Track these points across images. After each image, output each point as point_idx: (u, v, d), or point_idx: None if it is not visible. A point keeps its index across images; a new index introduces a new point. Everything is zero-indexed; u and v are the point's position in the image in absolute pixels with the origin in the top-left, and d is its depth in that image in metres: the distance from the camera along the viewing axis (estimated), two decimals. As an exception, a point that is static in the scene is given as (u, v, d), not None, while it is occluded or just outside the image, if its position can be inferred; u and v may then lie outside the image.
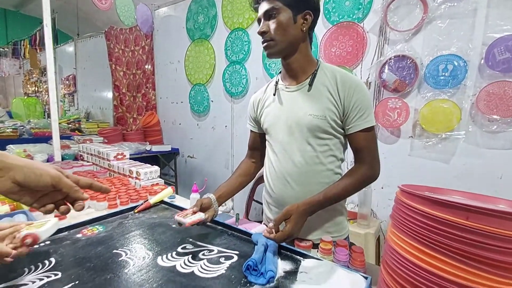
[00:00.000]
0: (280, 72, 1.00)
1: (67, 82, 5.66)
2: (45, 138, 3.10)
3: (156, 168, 1.68)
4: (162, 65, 3.51)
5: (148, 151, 3.16)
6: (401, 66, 1.86)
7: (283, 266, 0.75)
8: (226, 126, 2.81)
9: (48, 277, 0.68)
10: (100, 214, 1.10)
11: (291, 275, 0.72)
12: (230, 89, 2.71)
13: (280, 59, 0.93)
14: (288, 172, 0.92)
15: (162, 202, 1.29)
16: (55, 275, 0.69)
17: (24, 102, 5.18)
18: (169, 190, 1.36)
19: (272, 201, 1.00)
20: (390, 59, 1.89)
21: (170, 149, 3.35)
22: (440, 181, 1.76)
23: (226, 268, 0.75)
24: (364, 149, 0.88)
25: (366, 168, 0.87)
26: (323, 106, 0.87)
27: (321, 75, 0.89)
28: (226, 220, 1.09)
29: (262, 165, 1.15)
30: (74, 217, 1.18)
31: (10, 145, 2.60)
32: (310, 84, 0.89)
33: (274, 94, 0.96)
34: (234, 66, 2.68)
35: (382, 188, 1.97)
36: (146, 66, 3.71)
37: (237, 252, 0.83)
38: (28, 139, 3.21)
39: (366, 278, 0.69)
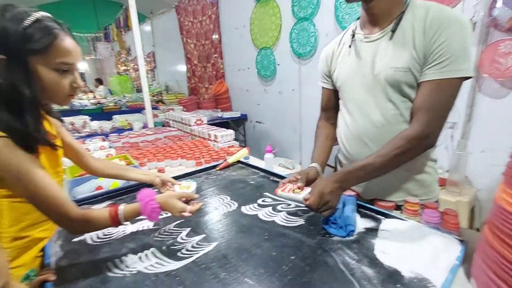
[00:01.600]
0: (358, 19, 0.86)
1: (148, 59, 6.36)
2: (138, 109, 3.66)
3: (231, 131, 1.81)
4: (228, 33, 3.56)
5: (220, 117, 3.39)
6: (525, -5, 1.41)
7: (363, 223, 0.75)
8: (293, 89, 2.75)
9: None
10: (190, 170, 1.28)
11: (372, 231, 0.71)
12: (297, 49, 2.59)
13: (359, 3, 0.79)
14: (366, 132, 0.84)
15: (238, 162, 1.40)
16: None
17: (118, 80, 6.13)
18: (245, 150, 1.47)
19: (348, 163, 0.95)
20: (507, -13, 1.45)
21: (239, 115, 3.52)
22: None
23: (304, 220, 0.79)
24: (424, 107, 0.70)
25: (414, 128, 0.71)
26: (407, 56, 0.71)
27: (409, 17, 0.73)
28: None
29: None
30: (170, 171, 1.41)
31: (115, 116, 3.18)
32: (393, 30, 0.74)
33: (350, 46, 0.85)
34: (301, 24, 2.51)
35: (483, 152, 1.66)
36: (213, 36, 3.82)
37: (314, 207, 0.86)
38: (125, 110, 3.84)
39: (461, 241, 0.63)
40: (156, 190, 1.04)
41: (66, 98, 0.67)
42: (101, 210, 0.66)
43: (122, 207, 0.66)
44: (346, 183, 0.74)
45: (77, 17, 7.46)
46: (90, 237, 0.76)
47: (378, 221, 0.76)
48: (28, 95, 0.59)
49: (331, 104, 1.02)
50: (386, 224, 0.74)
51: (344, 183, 0.73)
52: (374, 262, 0.59)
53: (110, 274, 0.61)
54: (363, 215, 0.79)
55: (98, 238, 0.76)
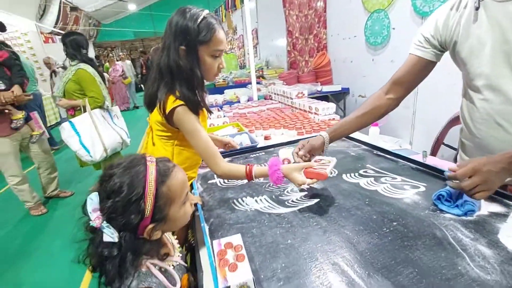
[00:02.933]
0: None
1: (251, 36, 6.73)
2: (242, 84, 4.04)
3: (332, 105, 1.80)
4: (334, -2, 3.33)
5: (319, 91, 3.34)
6: None
7: (487, 207, 0.67)
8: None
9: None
10: (292, 139, 1.39)
11: (499, 216, 0.63)
12: (420, 8, 2.17)
13: None
14: (502, 113, 0.69)
15: (339, 134, 1.41)
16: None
17: (225, 58, 6.82)
18: (346, 123, 1.45)
19: (475, 147, 0.80)
20: None
21: (340, 89, 3.35)
22: None
23: (412, 194, 0.77)
24: None
25: None
26: None
27: None
28: (409, 155, 1.05)
29: (398, 104, 0.92)
30: (274, 138, 1.56)
31: (225, 90, 3.64)
32: None
33: (477, 8, 0.68)
34: (428, -24, 2.07)
35: None
36: (318, 4, 3.66)
37: (424, 184, 0.82)
38: (232, 86, 4.31)
39: None
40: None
41: (214, 77, 0.87)
42: (240, 166, 0.82)
43: (255, 168, 0.80)
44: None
45: (192, 2, 8.54)
46: (218, 181, 1.00)
47: (509, 207, 0.66)
48: (199, 75, 0.81)
49: (408, 78, 0.86)
50: (521, 211, 0.64)
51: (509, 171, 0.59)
52: (495, 244, 0.54)
53: (235, 207, 0.80)
54: (489, 199, 0.70)
55: (225, 182, 0.98)
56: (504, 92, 0.67)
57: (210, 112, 0.94)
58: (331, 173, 0.97)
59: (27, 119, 2.22)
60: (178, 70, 0.79)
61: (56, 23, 6.74)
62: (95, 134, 1.94)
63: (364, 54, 2.97)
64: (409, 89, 0.89)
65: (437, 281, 0.48)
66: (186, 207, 0.56)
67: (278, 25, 4.63)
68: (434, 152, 1.74)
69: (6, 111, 2.03)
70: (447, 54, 0.84)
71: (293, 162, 0.88)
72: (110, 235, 0.47)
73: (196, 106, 0.82)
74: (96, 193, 0.49)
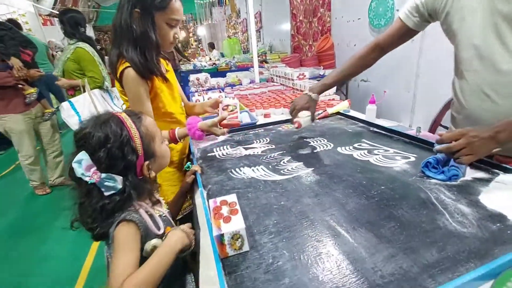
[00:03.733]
0: None
1: (254, 19, 6.58)
2: (245, 68, 4.02)
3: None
4: (339, -21, 3.25)
5: (321, 75, 3.32)
6: None
7: (472, 173, 0.70)
8: (412, 40, 2.34)
9: (266, 146, 1.04)
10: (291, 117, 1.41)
11: (482, 181, 0.67)
12: (424, -11, 2.14)
13: None
14: (489, 83, 0.70)
15: (338, 113, 1.43)
16: (271, 145, 1.04)
17: (228, 43, 6.72)
18: (346, 103, 1.47)
19: (463, 117, 0.82)
20: None
21: (342, 73, 3.34)
22: None
23: (402, 164, 0.80)
24: None
25: None
26: None
27: None
28: (404, 131, 1.07)
29: (375, 63, 1.04)
30: (274, 117, 1.58)
31: (228, 73, 3.63)
32: None
33: None
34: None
35: None
36: (322, -15, 3.57)
37: (415, 155, 0.84)
38: (235, 70, 4.30)
39: None
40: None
41: (170, 45, 0.89)
42: (164, 132, 0.87)
43: (177, 130, 0.89)
44: (502, 134, 0.61)
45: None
46: (217, 154, 1.03)
47: (494, 174, 0.69)
48: (153, 39, 0.82)
49: (391, 42, 0.96)
50: (503, 178, 0.67)
51: (499, 134, 0.61)
52: (475, 204, 0.58)
53: (233, 175, 0.84)
54: (475, 167, 0.73)
55: (223, 155, 1.02)
56: (492, 62, 0.69)
57: (165, 79, 0.92)
58: (326, 146, 1.00)
59: (40, 97, 2.26)
60: (128, 31, 0.81)
61: (54, 5, 6.59)
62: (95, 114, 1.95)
63: (368, 37, 2.93)
64: (387, 51, 1.00)
65: (416, 233, 0.52)
66: (164, 145, 0.65)
67: (282, 8, 4.54)
68: (431, 132, 1.75)
69: (19, 86, 2.07)
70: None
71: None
72: (112, 184, 0.50)
73: (144, 70, 0.82)
74: (83, 152, 0.50)
